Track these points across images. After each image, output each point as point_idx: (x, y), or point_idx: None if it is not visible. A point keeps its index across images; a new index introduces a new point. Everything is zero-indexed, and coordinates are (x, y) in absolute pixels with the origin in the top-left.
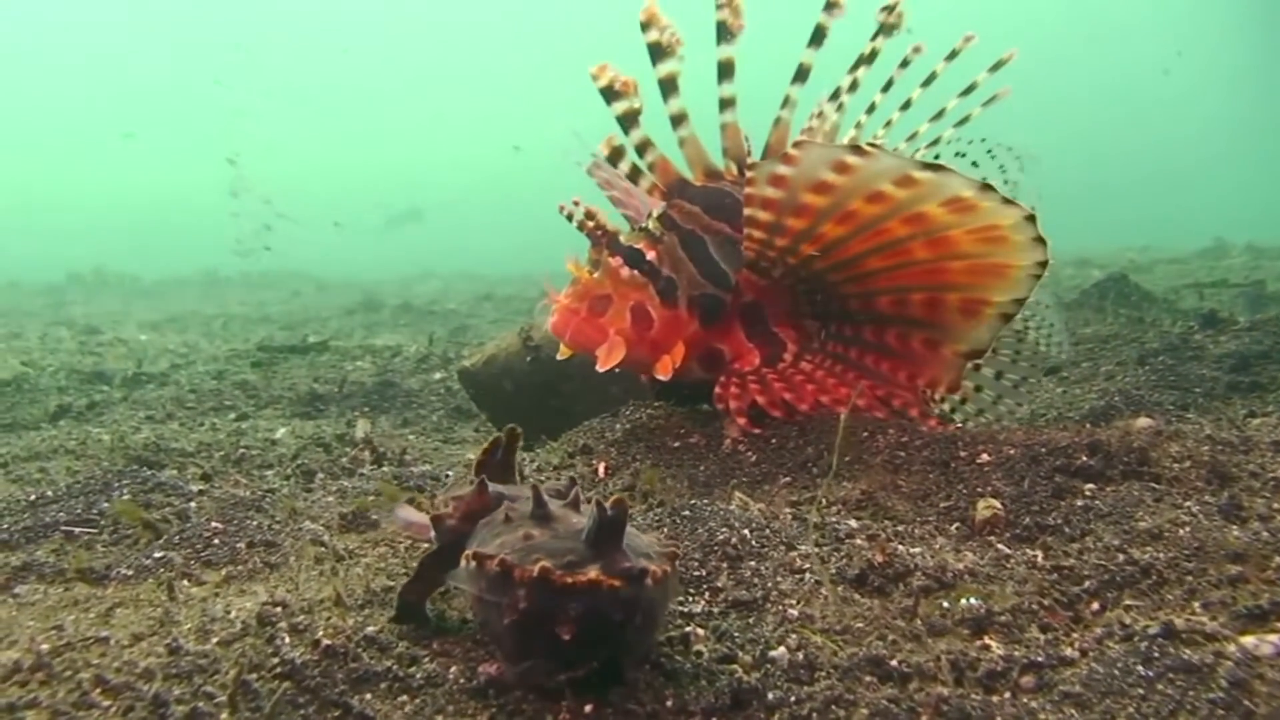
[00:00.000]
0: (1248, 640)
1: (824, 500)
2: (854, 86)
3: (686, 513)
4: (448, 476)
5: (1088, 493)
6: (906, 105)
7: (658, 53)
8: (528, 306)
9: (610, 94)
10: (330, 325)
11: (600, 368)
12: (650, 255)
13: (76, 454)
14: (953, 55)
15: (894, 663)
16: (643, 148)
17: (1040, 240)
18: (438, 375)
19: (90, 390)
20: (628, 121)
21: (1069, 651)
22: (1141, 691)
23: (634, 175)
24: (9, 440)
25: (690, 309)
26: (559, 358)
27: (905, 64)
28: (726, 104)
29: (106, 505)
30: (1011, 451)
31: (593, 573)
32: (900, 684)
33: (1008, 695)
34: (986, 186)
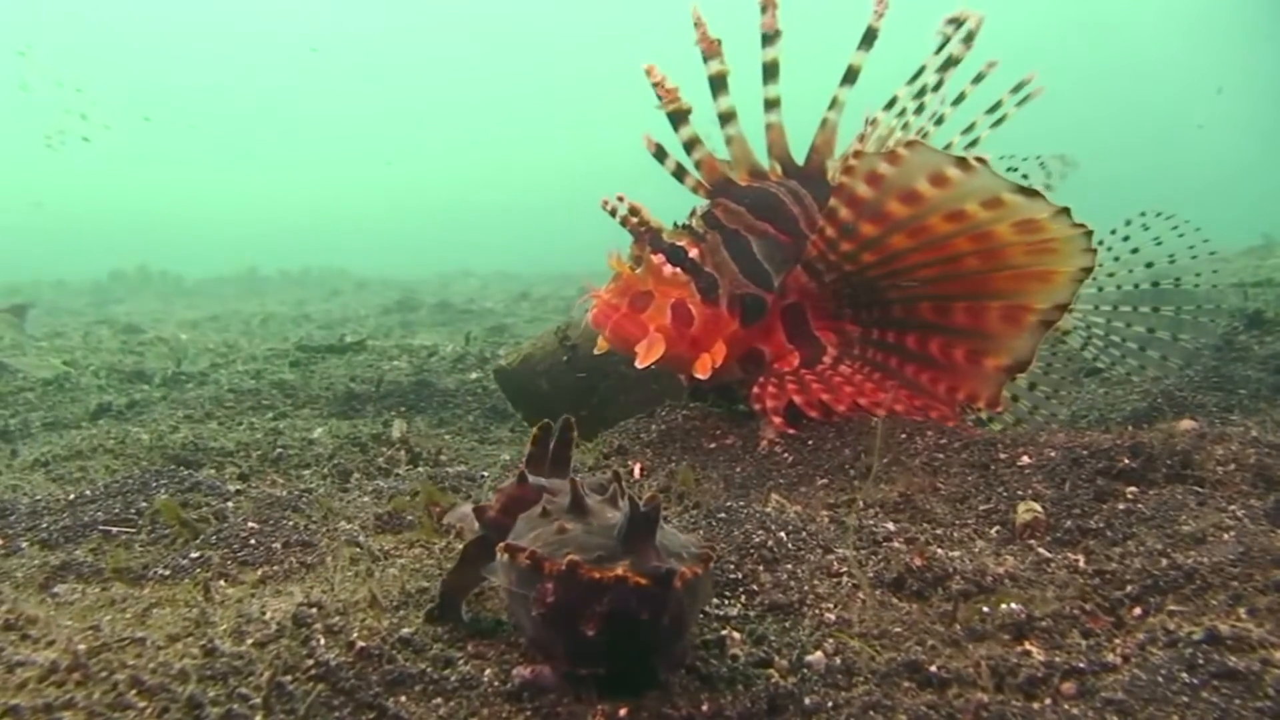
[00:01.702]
0: None
1: (862, 503)
2: (920, 94)
3: (722, 515)
4: (483, 477)
5: (1130, 496)
6: (939, 121)
7: (706, 53)
8: (564, 305)
9: (661, 94)
10: (368, 324)
11: (639, 364)
12: (693, 253)
13: (116, 453)
14: (978, 79)
15: (933, 668)
16: (690, 145)
17: (1090, 249)
18: (474, 375)
19: (130, 389)
20: (676, 119)
21: (1111, 657)
22: (1186, 699)
23: (679, 173)
24: (50, 439)
25: (731, 308)
26: (596, 352)
27: (979, 78)
28: (771, 105)
29: (145, 505)
30: (1052, 454)
31: (620, 569)
32: (939, 690)
33: (1049, 702)
34: (1064, 210)
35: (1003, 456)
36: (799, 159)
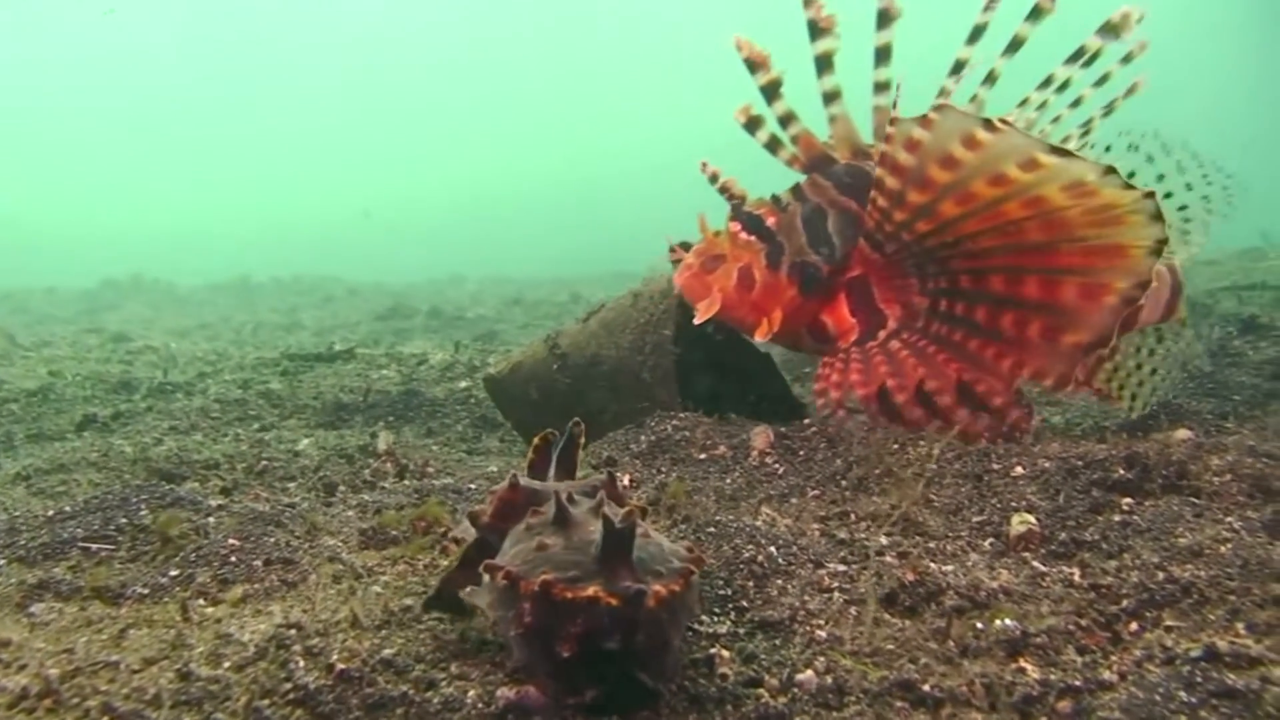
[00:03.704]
0: None
1: (854, 516)
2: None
3: (712, 529)
4: (470, 489)
5: (1125, 507)
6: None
7: (815, 30)
8: (557, 311)
9: (752, 66)
10: (360, 331)
11: (696, 320)
12: (769, 221)
13: (99, 466)
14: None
15: (926, 687)
16: (786, 120)
17: (1159, 218)
18: (463, 384)
19: (116, 400)
20: (770, 93)
21: (1107, 675)
22: (1184, 718)
23: (772, 146)
24: (33, 451)
25: (790, 275)
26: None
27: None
28: (881, 88)
29: (125, 521)
30: (1046, 464)
31: (593, 589)
32: (933, 710)
33: None
34: (1110, 170)
35: (996, 467)
36: None
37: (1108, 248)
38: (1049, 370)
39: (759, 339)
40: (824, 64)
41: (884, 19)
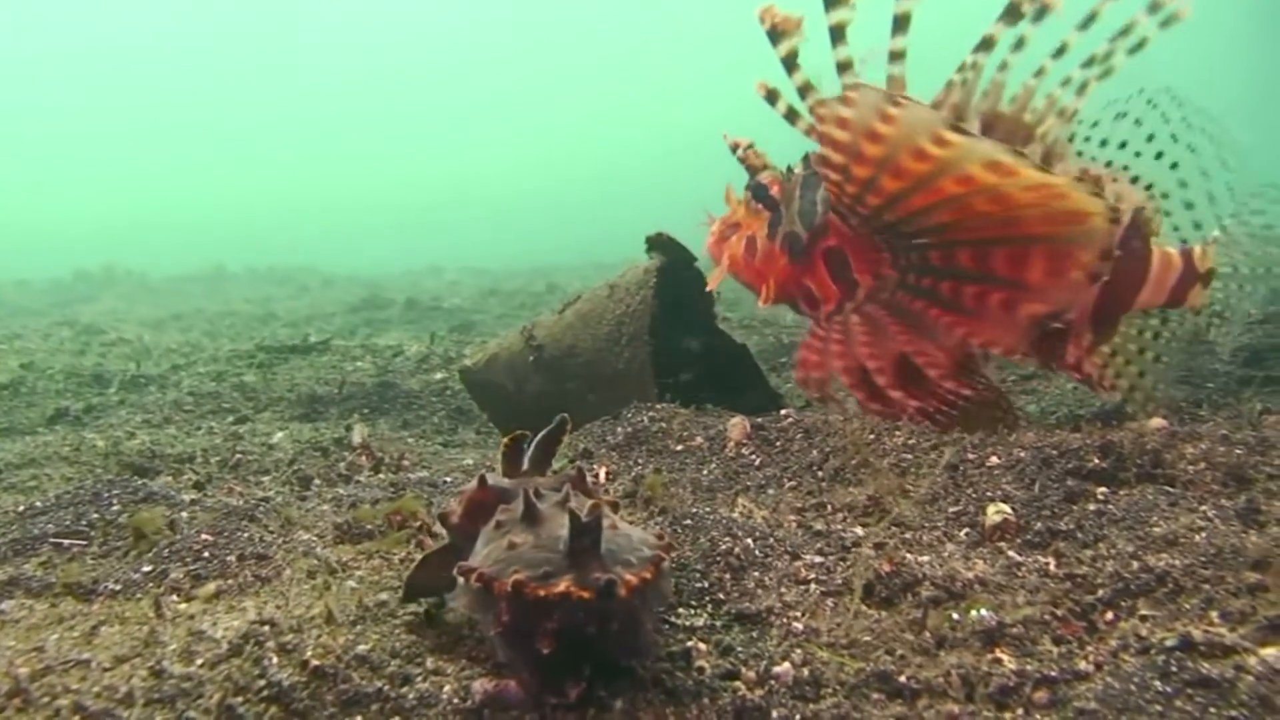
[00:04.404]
0: (1269, 653)
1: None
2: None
3: (688, 521)
4: (445, 483)
5: (1100, 497)
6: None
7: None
8: (533, 301)
9: (775, 35)
10: (335, 322)
11: (709, 286)
12: (773, 190)
13: (71, 460)
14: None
15: (902, 678)
16: (804, 90)
17: (1100, 198)
18: (439, 375)
19: (89, 393)
20: (790, 63)
21: (1083, 665)
22: (1160, 709)
23: (790, 116)
24: (4, 446)
25: (782, 244)
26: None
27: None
28: (896, 56)
29: (96, 516)
30: (1021, 454)
31: (563, 585)
32: (909, 701)
33: (1021, 712)
34: (1019, 154)
35: (971, 457)
36: None
37: (1067, 213)
38: (999, 340)
39: (760, 304)
40: (837, 35)
41: None
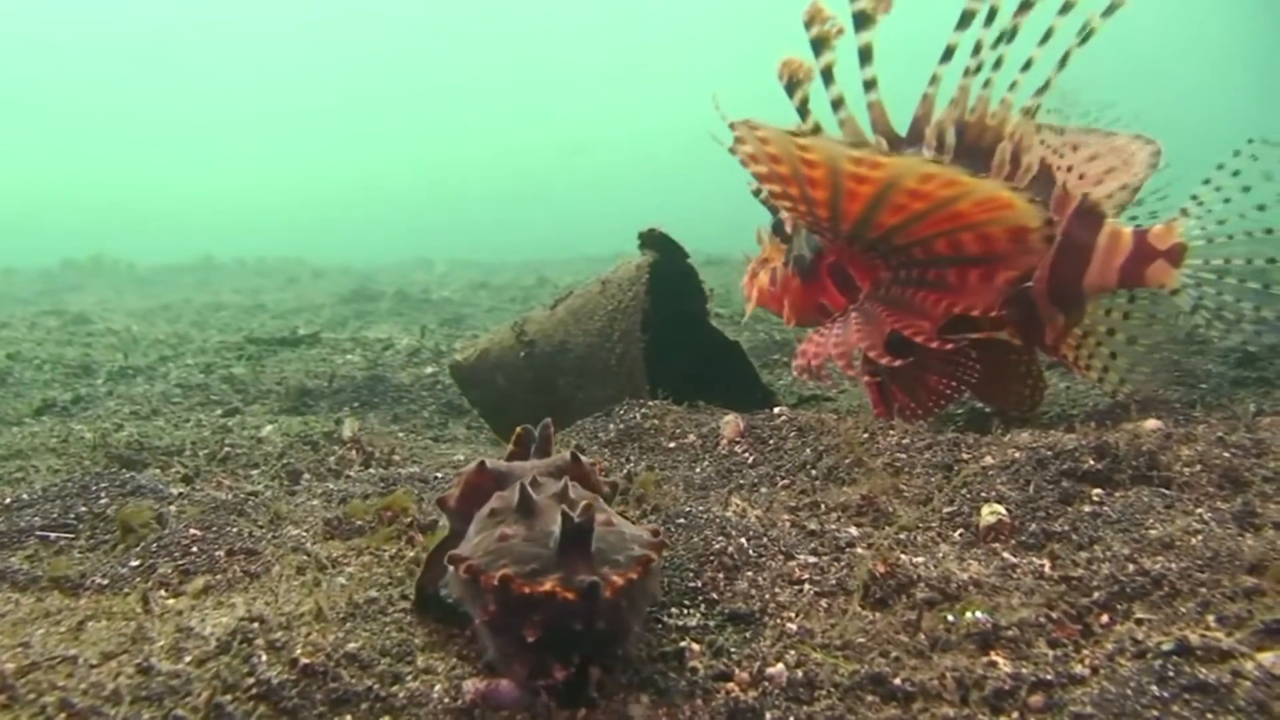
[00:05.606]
0: (1266, 657)
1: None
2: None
3: (681, 520)
4: (436, 478)
5: (1095, 498)
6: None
7: (860, 21)
8: (523, 295)
9: (791, 87)
10: (324, 314)
11: (744, 318)
12: (788, 224)
13: (58, 452)
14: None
15: (897, 681)
16: (836, 104)
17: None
18: (429, 369)
19: (76, 384)
20: (803, 110)
21: (1079, 669)
22: (1156, 714)
23: (815, 131)
24: None
25: (793, 269)
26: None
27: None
28: (870, 85)
29: (84, 509)
30: (1016, 454)
31: (549, 584)
32: (904, 704)
33: (1016, 716)
34: (886, 151)
35: (966, 457)
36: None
37: (997, 200)
38: (977, 304)
39: (787, 325)
40: (865, 55)
41: (861, 23)
